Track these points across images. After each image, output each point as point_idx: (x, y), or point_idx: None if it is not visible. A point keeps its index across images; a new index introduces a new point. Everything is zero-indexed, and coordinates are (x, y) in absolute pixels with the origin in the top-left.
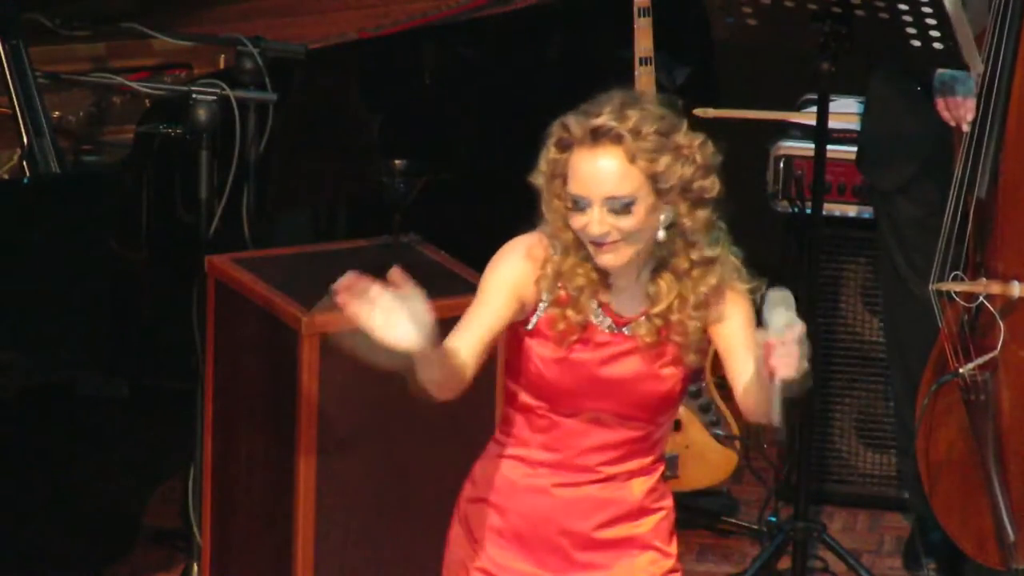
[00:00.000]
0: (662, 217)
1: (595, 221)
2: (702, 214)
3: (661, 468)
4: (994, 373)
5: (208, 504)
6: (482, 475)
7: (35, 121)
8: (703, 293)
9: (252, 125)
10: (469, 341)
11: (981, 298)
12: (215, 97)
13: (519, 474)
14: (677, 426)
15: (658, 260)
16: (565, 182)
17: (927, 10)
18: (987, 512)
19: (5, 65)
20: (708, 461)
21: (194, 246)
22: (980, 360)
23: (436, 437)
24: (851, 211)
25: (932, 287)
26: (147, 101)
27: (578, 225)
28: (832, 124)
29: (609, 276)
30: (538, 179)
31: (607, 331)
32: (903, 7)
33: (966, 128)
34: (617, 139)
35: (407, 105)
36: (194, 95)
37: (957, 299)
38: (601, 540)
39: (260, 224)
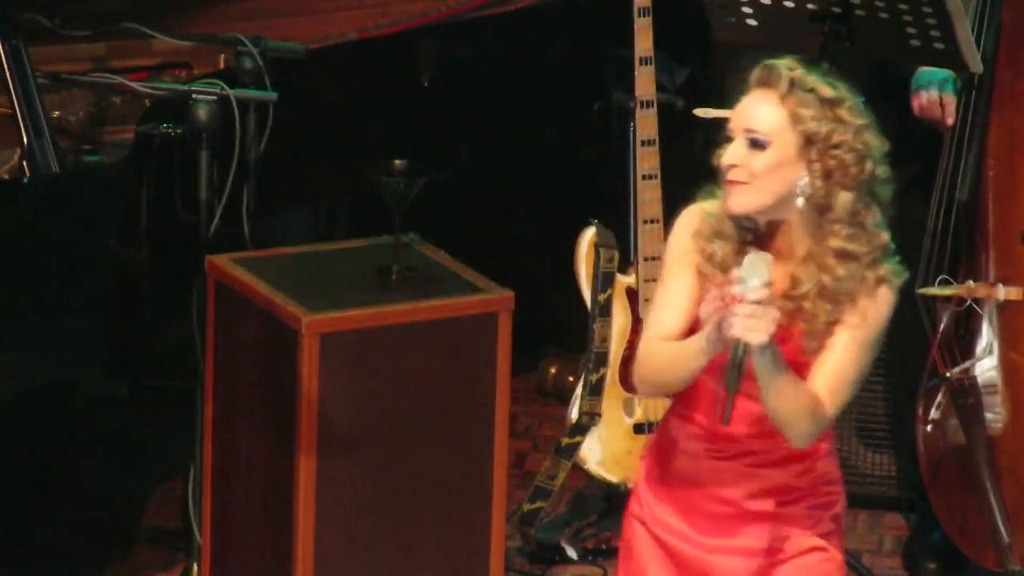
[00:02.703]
0: (800, 182)
1: (730, 150)
2: (844, 196)
3: (817, 453)
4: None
5: (208, 504)
6: (659, 428)
7: (35, 121)
8: (839, 289)
9: (252, 125)
10: (674, 331)
11: (969, 301)
12: (215, 97)
13: (682, 435)
14: None
15: (807, 248)
16: None
17: (927, 10)
18: (983, 514)
19: (5, 65)
20: None
21: (194, 246)
22: (967, 364)
23: (436, 437)
24: None
25: (918, 291)
26: (147, 101)
27: (718, 159)
28: None
29: (759, 243)
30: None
31: None
32: (903, 7)
33: (949, 124)
34: (777, 81)
35: (407, 105)
36: (194, 95)
37: (945, 303)
38: (751, 512)
39: (260, 224)
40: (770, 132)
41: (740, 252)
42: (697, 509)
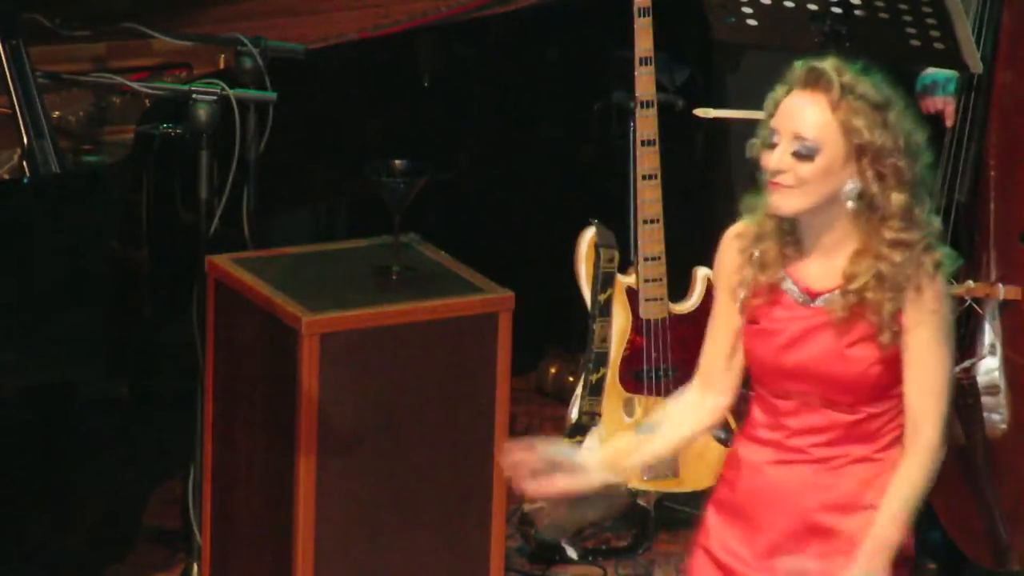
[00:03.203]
0: (849, 185)
1: (776, 156)
2: (897, 197)
3: (887, 461)
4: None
5: (208, 504)
6: (727, 455)
7: (35, 121)
8: (898, 275)
9: (252, 125)
10: (715, 363)
11: (969, 301)
12: (215, 97)
13: (746, 451)
14: None
15: (859, 242)
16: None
17: (927, 10)
18: (983, 514)
19: (5, 65)
20: (708, 461)
21: (194, 246)
22: (968, 363)
23: (436, 437)
24: None
25: None
26: (147, 101)
27: (764, 162)
28: None
29: (802, 245)
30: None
31: (799, 303)
32: (903, 7)
33: (947, 125)
34: (827, 86)
35: (407, 105)
36: (194, 95)
37: None
38: (810, 525)
39: (260, 224)
40: (820, 140)
41: (782, 254)
42: (759, 529)
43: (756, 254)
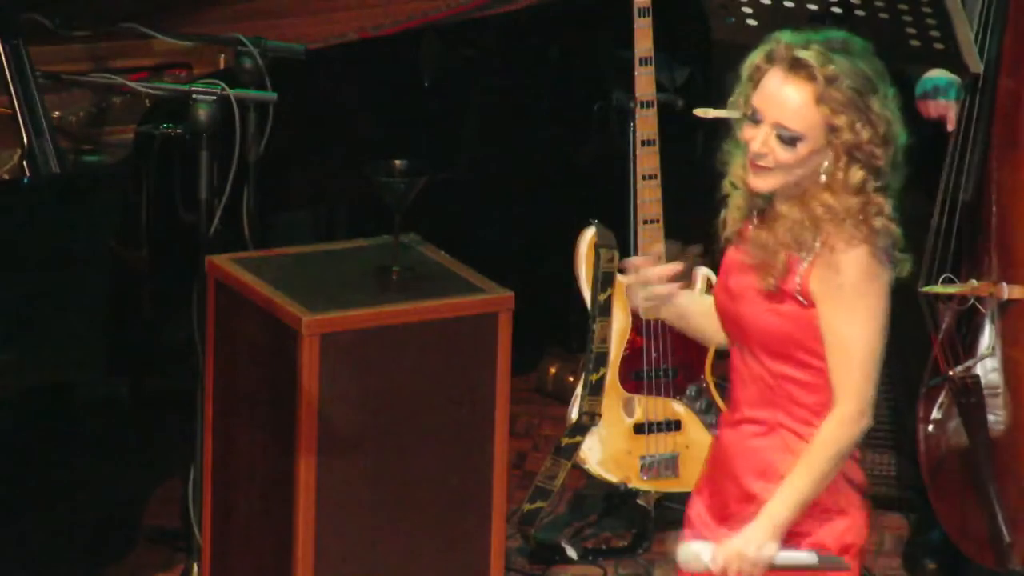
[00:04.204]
0: (825, 163)
1: (759, 139)
2: (857, 173)
3: (805, 437)
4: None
5: (208, 504)
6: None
7: (35, 121)
8: (813, 224)
9: (252, 125)
10: None
11: (972, 300)
12: (215, 97)
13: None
14: (677, 426)
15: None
16: (755, 89)
17: (927, 10)
18: (984, 513)
19: (5, 65)
20: None
21: (194, 246)
22: (970, 363)
23: (436, 437)
24: None
25: (920, 290)
26: (147, 101)
27: (746, 136)
28: None
29: (771, 204)
30: (733, 91)
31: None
32: (903, 7)
33: (950, 129)
34: (811, 78)
35: (407, 105)
36: (194, 95)
37: (947, 302)
38: (745, 491)
39: (260, 224)
40: (803, 130)
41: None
42: (715, 494)
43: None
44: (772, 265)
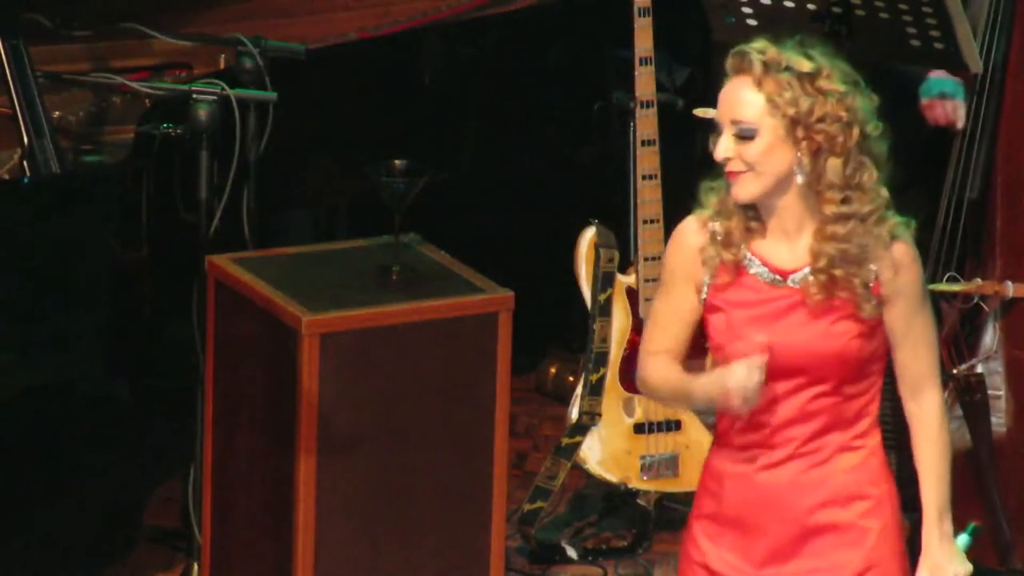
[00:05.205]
0: (796, 156)
1: (722, 145)
2: (834, 163)
3: (866, 448)
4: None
5: (208, 504)
6: (704, 468)
7: (35, 121)
8: (855, 249)
9: (252, 125)
10: (673, 346)
11: (976, 299)
12: (215, 97)
13: (727, 460)
14: (677, 426)
15: (819, 219)
16: None
17: (927, 10)
18: (986, 512)
19: (5, 65)
20: None
21: (194, 246)
22: (973, 361)
23: (436, 437)
24: None
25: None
26: (147, 101)
27: (713, 151)
28: None
29: (764, 225)
30: None
31: (769, 283)
32: (903, 7)
33: (958, 128)
34: (749, 66)
35: (407, 105)
36: (194, 95)
37: (952, 300)
38: (807, 526)
39: (260, 224)
40: (754, 120)
41: (747, 229)
42: (755, 536)
43: (719, 230)
44: (854, 291)
